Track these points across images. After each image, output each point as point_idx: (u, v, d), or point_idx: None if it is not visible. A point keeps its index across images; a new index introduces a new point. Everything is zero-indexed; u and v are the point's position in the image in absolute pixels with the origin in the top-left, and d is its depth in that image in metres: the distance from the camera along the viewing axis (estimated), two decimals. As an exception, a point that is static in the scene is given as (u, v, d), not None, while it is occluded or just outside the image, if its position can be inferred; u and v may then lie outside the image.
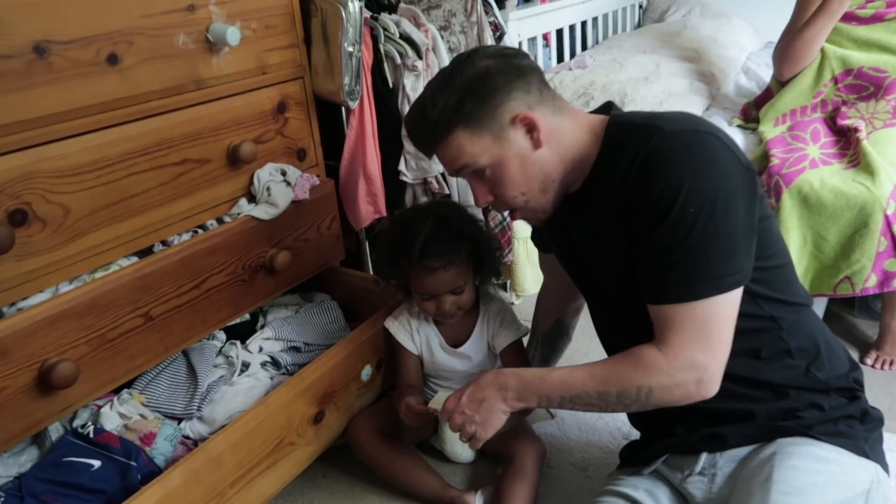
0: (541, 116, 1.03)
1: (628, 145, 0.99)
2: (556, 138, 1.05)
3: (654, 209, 0.94)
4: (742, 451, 1.08)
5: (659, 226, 0.94)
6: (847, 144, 1.71)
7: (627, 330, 1.10)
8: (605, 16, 2.92)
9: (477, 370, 1.50)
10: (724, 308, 0.95)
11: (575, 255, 1.19)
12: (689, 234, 0.92)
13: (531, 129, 1.03)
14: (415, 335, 1.48)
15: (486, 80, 1.02)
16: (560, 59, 2.64)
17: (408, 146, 1.73)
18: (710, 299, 0.93)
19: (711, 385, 0.96)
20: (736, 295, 0.95)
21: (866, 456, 1.04)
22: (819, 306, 1.81)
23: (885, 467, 1.07)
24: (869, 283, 1.59)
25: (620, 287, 1.09)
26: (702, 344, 0.94)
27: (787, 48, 1.86)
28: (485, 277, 1.47)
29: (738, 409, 1.06)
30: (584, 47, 2.81)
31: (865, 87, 1.79)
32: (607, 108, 1.13)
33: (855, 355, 1.76)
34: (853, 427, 1.06)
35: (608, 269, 1.10)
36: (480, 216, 1.60)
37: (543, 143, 1.03)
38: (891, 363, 1.72)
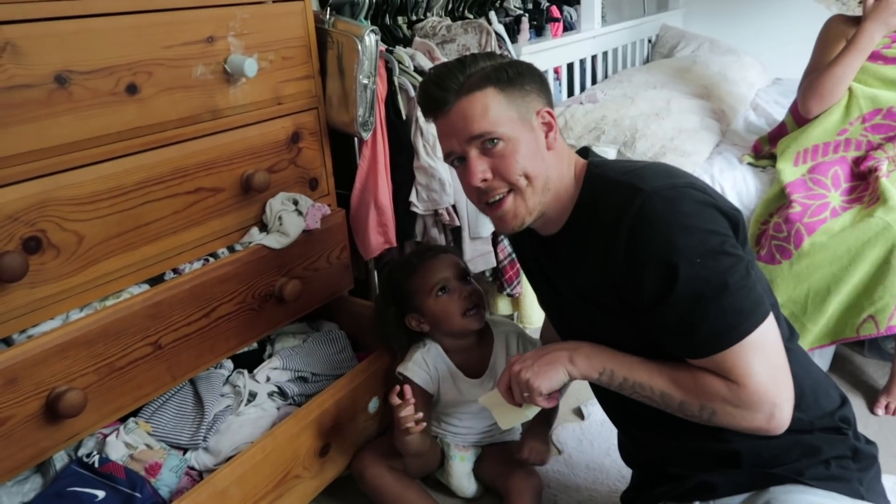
0: (556, 125, 1.07)
1: (607, 202, 1.00)
2: (559, 153, 1.07)
3: (660, 278, 0.93)
4: (735, 500, 1.06)
5: (672, 290, 0.93)
6: (866, 186, 1.70)
7: None
8: (615, 50, 2.94)
9: None
10: (769, 335, 0.95)
11: (558, 304, 1.19)
12: (706, 284, 0.92)
13: (549, 128, 1.05)
14: (431, 372, 1.45)
15: (531, 69, 1.06)
16: (570, 92, 2.66)
17: (419, 178, 1.73)
18: (754, 333, 0.93)
19: (784, 419, 0.95)
20: (772, 321, 0.95)
21: (861, 498, 1.02)
22: (827, 352, 1.79)
23: None
24: (893, 321, 1.57)
25: (610, 342, 1.08)
26: (765, 374, 0.93)
27: (815, 84, 1.84)
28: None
29: (722, 450, 1.04)
30: (593, 81, 2.83)
31: (893, 126, 1.78)
32: (584, 152, 1.14)
33: (860, 402, 1.73)
34: (846, 468, 1.04)
35: (596, 326, 1.09)
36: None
37: (553, 148, 1.05)
38: None
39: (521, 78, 1.04)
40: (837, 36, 1.85)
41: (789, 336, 1.08)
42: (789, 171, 1.83)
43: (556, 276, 1.14)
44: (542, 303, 1.27)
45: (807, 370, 1.09)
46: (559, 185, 1.06)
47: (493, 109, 1.01)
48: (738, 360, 0.93)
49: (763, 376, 0.93)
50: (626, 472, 1.54)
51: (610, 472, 1.57)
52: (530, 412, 1.13)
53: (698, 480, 1.08)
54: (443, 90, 1.03)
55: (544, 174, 1.05)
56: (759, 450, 1.01)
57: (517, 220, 1.07)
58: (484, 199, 1.06)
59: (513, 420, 1.33)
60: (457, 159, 1.07)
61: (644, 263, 0.94)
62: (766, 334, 0.94)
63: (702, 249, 0.92)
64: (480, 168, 1.03)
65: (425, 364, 1.46)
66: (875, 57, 1.82)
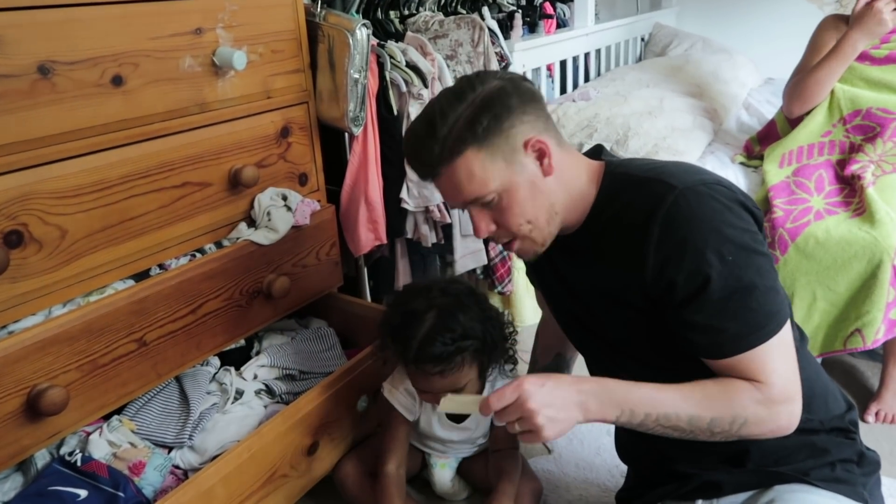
0: (550, 144, 1.00)
1: (634, 199, 0.98)
2: (562, 169, 1.02)
3: (693, 274, 0.92)
4: (738, 499, 1.06)
5: (707, 287, 0.91)
6: (852, 192, 1.70)
7: (629, 376, 1.09)
8: (608, 48, 2.93)
9: (475, 437, 1.46)
10: (789, 336, 0.95)
11: (571, 304, 1.16)
12: (739, 282, 0.91)
13: (542, 155, 0.99)
14: (414, 405, 1.40)
15: (502, 99, 0.96)
16: (563, 90, 2.65)
17: (411, 174, 1.71)
18: (779, 333, 0.93)
19: (798, 416, 0.95)
20: (789, 322, 0.96)
21: (865, 502, 1.02)
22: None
23: None
24: (879, 334, 1.57)
25: (630, 343, 1.07)
26: (788, 374, 0.94)
27: (797, 87, 1.86)
28: (493, 357, 1.33)
29: (731, 448, 1.03)
30: (586, 79, 2.83)
31: (873, 127, 1.79)
32: (598, 151, 1.11)
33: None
34: (851, 472, 1.04)
35: (615, 324, 1.07)
36: (494, 309, 1.36)
37: (551, 172, 1.00)
38: (892, 418, 1.66)
39: (498, 121, 0.96)
40: (829, 37, 1.85)
41: (800, 338, 1.08)
42: (774, 172, 1.84)
43: (571, 273, 1.11)
44: (550, 300, 1.24)
45: (817, 373, 1.10)
46: (568, 201, 1.04)
47: (478, 171, 0.97)
48: (766, 359, 0.93)
49: (786, 374, 0.94)
50: (617, 472, 1.53)
51: (600, 472, 1.56)
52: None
53: (703, 479, 1.07)
54: (423, 165, 1.01)
55: (547, 208, 1.02)
56: (768, 449, 1.00)
57: (531, 255, 1.07)
58: (494, 241, 1.06)
59: (450, 490, 1.40)
60: (461, 207, 1.05)
61: (677, 261, 0.92)
62: (788, 335, 0.95)
63: (734, 247, 0.91)
64: (483, 223, 1.03)
65: (409, 396, 1.39)
66: (863, 57, 1.82)
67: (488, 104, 0.96)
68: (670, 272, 0.93)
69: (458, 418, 1.42)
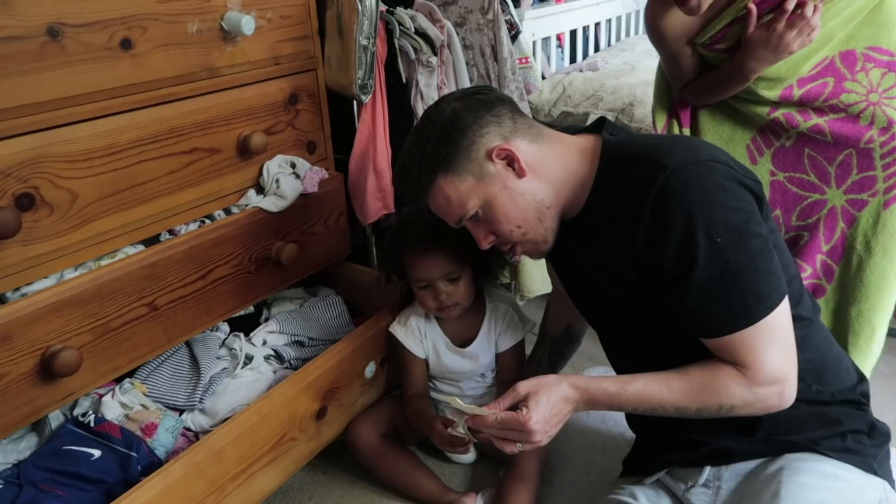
0: (518, 146, 1.02)
1: (628, 179, 0.98)
2: (542, 164, 1.03)
3: (681, 256, 0.92)
4: (748, 466, 1.07)
5: (693, 269, 0.92)
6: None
7: (640, 354, 1.11)
8: (619, 18, 2.90)
9: (484, 370, 1.49)
10: (782, 317, 0.95)
11: (582, 283, 1.18)
12: (727, 264, 0.91)
13: (510, 160, 1.01)
14: (423, 340, 1.46)
15: (454, 122, 1.01)
16: (573, 60, 2.62)
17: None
18: (770, 315, 0.93)
19: (791, 394, 0.96)
20: (786, 301, 0.95)
21: (875, 473, 1.03)
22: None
23: (892, 483, 1.06)
24: None
25: (634, 320, 1.08)
26: (777, 357, 0.94)
27: (692, 99, 1.40)
28: (487, 270, 1.45)
29: (742, 419, 1.03)
30: (596, 49, 2.80)
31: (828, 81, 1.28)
32: (599, 125, 1.10)
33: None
34: (861, 442, 1.05)
35: (620, 303, 1.09)
36: None
37: (527, 172, 1.02)
38: None
39: (455, 143, 1.00)
40: (675, 38, 1.31)
41: (812, 309, 1.08)
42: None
43: (578, 253, 1.12)
44: (563, 279, 1.26)
45: (828, 345, 1.10)
46: (559, 191, 1.05)
47: (453, 194, 1.03)
48: (752, 343, 0.93)
49: (775, 357, 0.94)
50: (623, 440, 1.55)
51: (606, 440, 1.57)
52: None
53: (713, 446, 1.08)
54: (410, 200, 1.12)
55: (534, 207, 1.04)
56: (779, 419, 1.01)
57: (539, 252, 1.12)
58: (504, 250, 1.12)
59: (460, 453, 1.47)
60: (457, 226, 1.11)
61: (666, 242, 0.93)
62: (781, 316, 0.94)
63: (724, 228, 0.91)
64: (481, 235, 1.08)
65: (418, 331, 1.46)
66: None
67: (444, 132, 1.01)
68: (659, 253, 0.94)
69: (464, 343, 1.46)
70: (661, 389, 0.99)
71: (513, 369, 1.49)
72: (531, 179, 1.02)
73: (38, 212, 1.05)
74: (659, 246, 0.94)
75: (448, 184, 1.02)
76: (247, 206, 1.39)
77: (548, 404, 1.00)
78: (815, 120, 1.30)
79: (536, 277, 2.06)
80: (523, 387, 1.02)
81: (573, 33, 2.58)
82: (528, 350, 1.61)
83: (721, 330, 0.95)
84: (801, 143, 1.34)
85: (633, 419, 1.28)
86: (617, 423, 1.59)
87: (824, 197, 1.37)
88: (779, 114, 1.32)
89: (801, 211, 1.40)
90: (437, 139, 1.01)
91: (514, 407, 1.02)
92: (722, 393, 0.96)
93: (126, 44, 1.12)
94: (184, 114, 1.24)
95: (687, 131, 1.43)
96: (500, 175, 1.02)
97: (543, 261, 1.88)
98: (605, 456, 1.52)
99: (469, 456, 1.53)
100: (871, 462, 1.04)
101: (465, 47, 1.81)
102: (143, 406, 1.24)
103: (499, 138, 1.01)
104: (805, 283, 1.36)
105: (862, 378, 1.12)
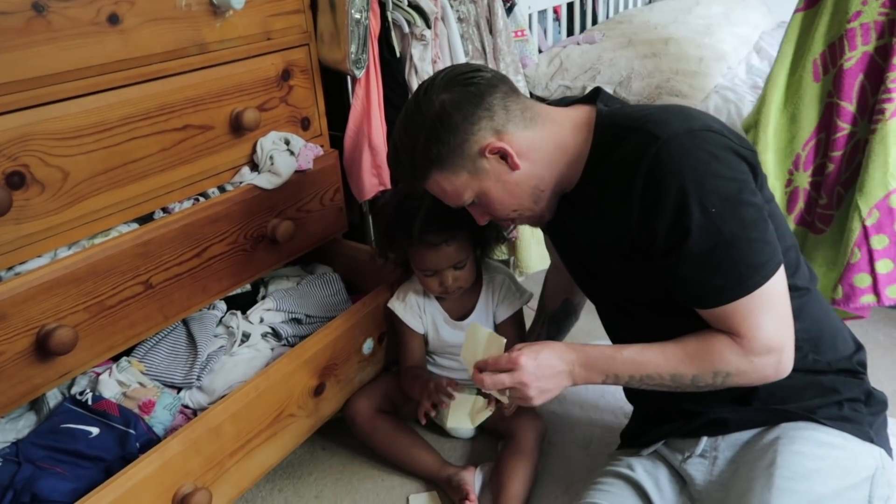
0: (511, 137, 1.00)
1: (621, 151, 0.97)
2: (535, 151, 1.02)
3: (674, 227, 0.92)
4: (744, 436, 1.07)
5: (686, 240, 0.91)
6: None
7: (637, 324, 1.11)
8: (617, -10, 2.86)
9: None
10: (778, 286, 0.94)
11: (579, 255, 1.17)
12: (720, 235, 0.91)
13: (504, 155, 1.01)
14: (422, 315, 1.46)
15: (444, 121, 0.99)
16: (570, 33, 2.59)
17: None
18: (764, 285, 0.93)
19: (788, 364, 0.96)
20: (782, 271, 0.95)
21: (871, 441, 1.03)
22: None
23: (889, 452, 1.06)
24: (837, 294, 1.51)
25: (631, 291, 1.08)
26: (772, 327, 0.94)
27: None
28: (486, 249, 1.45)
29: (738, 388, 1.03)
30: (594, 22, 2.76)
31: None
32: (594, 95, 1.09)
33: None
34: (858, 411, 1.05)
35: (616, 274, 1.09)
36: None
37: (521, 163, 1.01)
38: None
39: (448, 144, 0.99)
40: None
41: (809, 278, 1.08)
42: (810, 96, 1.49)
43: (575, 225, 1.12)
44: (560, 250, 1.26)
45: (825, 313, 1.10)
46: (554, 171, 1.05)
47: (448, 187, 1.04)
48: (747, 312, 0.93)
49: (771, 326, 0.94)
50: (621, 413, 1.55)
51: (605, 413, 1.58)
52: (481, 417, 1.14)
53: (709, 416, 1.08)
54: (406, 185, 1.13)
55: (529, 192, 1.05)
56: (775, 388, 1.01)
57: (538, 224, 1.16)
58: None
59: (459, 428, 1.42)
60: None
61: (658, 213, 0.92)
62: (776, 285, 0.94)
63: (717, 198, 0.90)
64: (478, 215, 1.11)
65: (417, 307, 1.46)
66: None
67: (434, 131, 0.99)
68: (653, 224, 0.94)
69: (461, 316, 1.47)
70: (656, 356, 0.99)
71: (514, 338, 1.48)
72: (525, 168, 1.02)
73: (30, 190, 1.04)
74: (652, 217, 0.93)
75: (443, 179, 1.03)
76: (241, 183, 1.38)
77: (541, 354, 1.02)
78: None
79: (534, 254, 2.05)
80: (519, 345, 1.04)
81: (570, 6, 2.55)
82: (528, 326, 1.61)
83: (716, 300, 0.94)
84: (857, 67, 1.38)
85: (631, 390, 1.29)
86: (615, 396, 1.60)
87: (856, 129, 1.41)
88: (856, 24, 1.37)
89: (835, 141, 1.44)
90: (427, 136, 1.00)
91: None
92: (717, 360, 0.96)
93: (114, 19, 1.10)
94: (174, 90, 1.23)
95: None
96: (493, 169, 1.02)
97: (541, 237, 1.88)
98: (604, 429, 1.52)
99: (468, 430, 1.54)
100: (868, 430, 1.04)
101: (460, 20, 1.79)
102: (141, 384, 1.24)
103: (491, 133, 1.00)
104: (819, 212, 1.45)
105: (859, 347, 1.12)
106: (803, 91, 1.52)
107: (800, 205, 1.56)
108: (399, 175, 1.10)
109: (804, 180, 1.53)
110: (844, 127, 1.44)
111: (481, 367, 1.05)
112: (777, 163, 1.61)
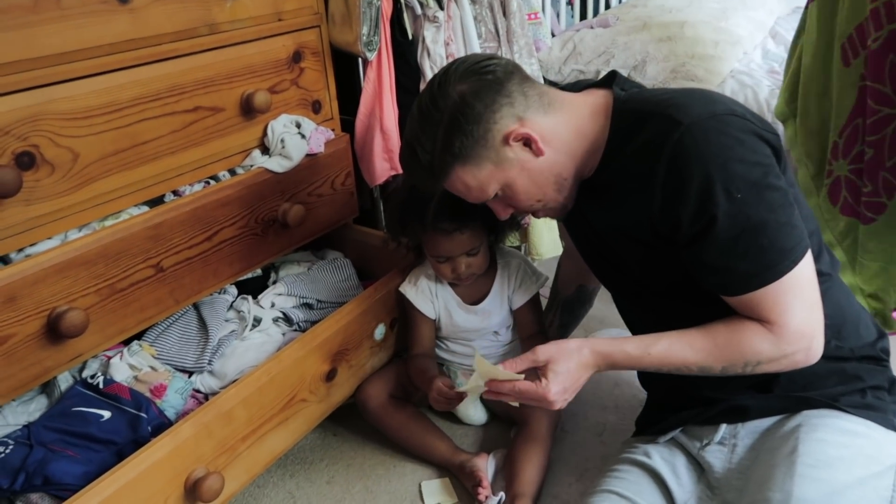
0: (533, 123, 0.98)
1: (642, 136, 0.95)
2: (557, 137, 1.00)
3: (699, 214, 0.90)
4: (764, 423, 1.05)
5: (712, 227, 0.89)
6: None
7: (655, 312, 1.09)
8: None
9: (497, 327, 1.47)
10: (806, 271, 0.92)
11: (595, 243, 1.15)
12: (747, 220, 0.89)
13: (527, 141, 0.98)
14: (434, 300, 1.45)
15: (466, 111, 0.96)
16: (584, 17, 2.56)
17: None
18: (793, 270, 0.91)
19: (819, 350, 0.94)
20: (809, 256, 0.93)
21: (895, 429, 1.01)
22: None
23: None
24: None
25: (650, 278, 1.06)
26: (803, 312, 0.92)
27: None
28: (500, 236, 1.44)
29: (758, 376, 1.01)
30: (608, 6, 2.73)
31: None
32: (610, 79, 1.06)
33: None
34: (881, 399, 1.03)
35: (634, 262, 1.07)
36: None
37: (544, 149, 0.99)
38: None
39: (471, 135, 0.96)
40: None
41: (831, 264, 1.06)
42: (843, 82, 1.43)
43: (592, 212, 1.10)
44: (575, 238, 1.24)
45: (848, 300, 1.08)
46: (576, 158, 1.03)
47: (472, 182, 1.01)
48: (776, 298, 0.91)
49: (801, 312, 0.92)
50: (636, 400, 1.54)
51: (619, 399, 1.56)
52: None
53: (729, 404, 1.06)
54: (425, 188, 1.07)
55: (553, 180, 1.03)
56: (796, 375, 0.99)
57: (558, 215, 1.12)
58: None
59: (472, 414, 1.48)
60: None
61: (682, 200, 0.90)
62: (804, 270, 0.92)
63: (743, 183, 0.88)
64: (500, 209, 1.09)
65: (429, 291, 1.44)
66: None
67: (455, 123, 0.96)
68: (676, 212, 0.91)
69: (475, 301, 1.45)
70: (684, 350, 0.97)
71: (532, 322, 1.48)
72: (549, 154, 1.00)
73: (39, 171, 1.03)
74: (676, 204, 0.91)
75: (466, 173, 1.00)
76: (252, 166, 1.36)
77: (567, 374, 1.00)
78: None
79: (546, 240, 2.03)
80: (542, 353, 1.01)
81: (583, -10, 2.51)
82: (540, 312, 1.60)
83: (745, 287, 0.92)
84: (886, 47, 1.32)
85: (647, 378, 1.27)
86: (630, 383, 1.58)
87: (893, 111, 1.35)
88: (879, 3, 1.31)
89: (872, 124, 1.39)
90: (448, 129, 0.97)
91: (533, 371, 1.01)
92: (748, 350, 0.94)
93: (123, -3, 1.09)
94: (185, 71, 1.21)
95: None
96: (518, 158, 0.99)
97: (553, 224, 1.86)
98: (618, 416, 1.51)
99: (480, 416, 1.53)
100: (892, 418, 1.02)
101: (473, 2, 1.76)
102: (152, 368, 1.23)
103: (513, 120, 0.97)
104: (865, 201, 1.41)
105: (882, 334, 1.10)
106: (835, 77, 1.49)
107: (843, 194, 1.51)
108: (415, 176, 1.06)
109: (843, 168, 1.49)
110: (879, 109, 1.38)
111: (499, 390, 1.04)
112: (817, 153, 1.58)
